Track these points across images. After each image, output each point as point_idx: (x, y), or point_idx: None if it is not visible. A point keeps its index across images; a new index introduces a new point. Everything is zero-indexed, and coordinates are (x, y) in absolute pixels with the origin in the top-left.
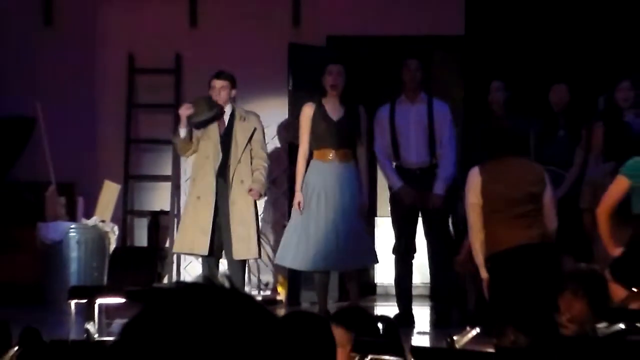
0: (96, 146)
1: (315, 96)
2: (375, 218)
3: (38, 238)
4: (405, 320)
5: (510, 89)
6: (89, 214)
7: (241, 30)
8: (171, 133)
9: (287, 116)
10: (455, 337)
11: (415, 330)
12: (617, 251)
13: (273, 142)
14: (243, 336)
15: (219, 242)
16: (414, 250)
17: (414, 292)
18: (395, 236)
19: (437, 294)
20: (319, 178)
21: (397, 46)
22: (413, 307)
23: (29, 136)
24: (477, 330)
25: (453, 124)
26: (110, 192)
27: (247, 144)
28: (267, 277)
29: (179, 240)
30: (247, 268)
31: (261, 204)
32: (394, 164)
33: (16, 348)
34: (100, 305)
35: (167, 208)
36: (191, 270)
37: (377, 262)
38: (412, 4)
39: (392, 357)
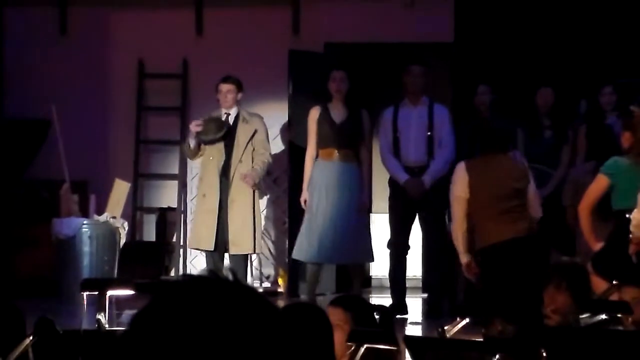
0: (107, 146)
1: (316, 100)
2: (371, 214)
3: (53, 233)
4: (399, 310)
5: (497, 92)
6: (100, 211)
7: (244, 37)
8: (178, 134)
9: (287, 119)
10: (446, 327)
11: (408, 321)
12: (597, 245)
13: (274, 143)
14: (246, 326)
15: (223, 237)
16: (409, 246)
17: (407, 284)
18: (391, 230)
19: (428, 286)
20: (322, 176)
21: (390, 52)
22: (406, 298)
23: (45, 137)
24: (467, 320)
25: (452, 127)
26: (120, 190)
27: (247, 145)
28: (269, 270)
29: (191, 236)
30: (249, 261)
31: (263, 202)
32: None
33: (31, 337)
34: (110, 297)
35: (174, 205)
36: (197, 263)
37: (373, 260)
38: (405, 13)
39: (386, 346)
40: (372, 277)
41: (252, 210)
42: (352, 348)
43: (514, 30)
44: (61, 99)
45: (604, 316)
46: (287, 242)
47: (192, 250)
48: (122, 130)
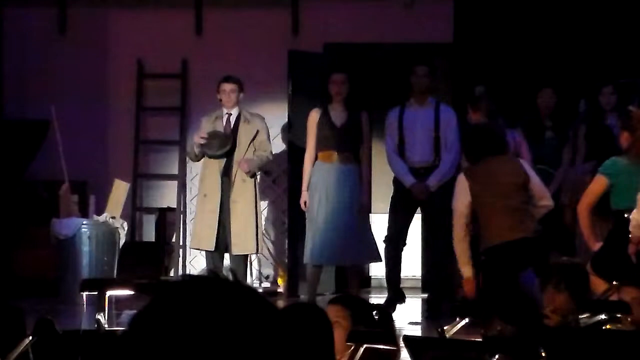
0: (107, 147)
1: (315, 100)
2: (370, 215)
3: (52, 233)
4: (396, 299)
5: (497, 92)
6: (100, 211)
7: (243, 38)
8: (178, 134)
9: (287, 119)
10: (445, 327)
11: (407, 321)
12: (597, 246)
13: (273, 144)
14: (246, 326)
15: (224, 237)
16: (405, 243)
17: (407, 284)
18: (389, 225)
19: (428, 286)
20: (323, 178)
21: (390, 53)
22: (405, 299)
23: (44, 137)
24: (466, 320)
25: (458, 129)
26: (120, 190)
27: (249, 145)
28: (268, 270)
29: (192, 236)
30: (249, 262)
31: (263, 202)
32: None
33: (30, 337)
34: (110, 297)
35: (173, 205)
36: (196, 263)
37: (381, 260)
38: (404, 13)
39: (385, 347)
40: (372, 277)
41: (254, 210)
42: (352, 348)
43: (514, 30)
44: (60, 99)
45: (603, 316)
46: (286, 243)
47: (192, 250)
48: (122, 131)
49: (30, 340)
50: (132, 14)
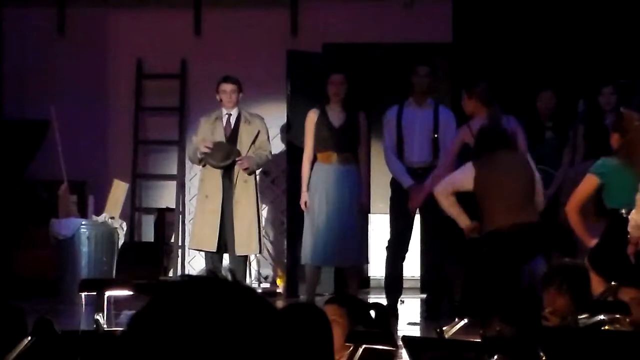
0: (106, 147)
1: (314, 100)
2: (369, 215)
3: (51, 234)
4: (391, 313)
5: (497, 93)
6: (99, 211)
7: (242, 38)
8: (177, 135)
9: (285, 119)
10: (444, 328)
11: (406, 321)
12: (592, 242)
13: (272, 144)
14: (245, 326)
15: (225, 238)
16: (407, 249)
17: (406, 284)
18: (391, 232)
19: (427, 287)
20: (322, 179)
21: (389, 53)
22: (405, 299)
23: (43, 137)
24: (465, 321)
25: (456, 130)
26: (119, 190)
27: (251, 146)
28: (267, 270)
29: (192, 237)
30: (248, 262)
31: (262, 202)
32: None
33: (29, 337)
34: (109, 297)
35: (172, 205)
36: (195, 264)
37: (368, 262)
38: (403, 13)
39: (384, 347)
40: (370, 277)
41: (256, 210)
42: (351, 348)
43: (514, 30)
44: (60, 99)
45: (602, 317)
46: (285, 243)
47: (191, 250)
48: (121, 131)
49: (29, 341)
50: (131, 14)
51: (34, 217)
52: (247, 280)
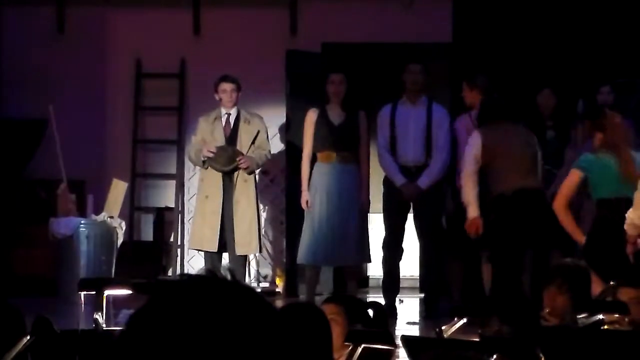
0: (105, 146)
1: (313, 100)
2: (369, 214)
3: (50, 233)
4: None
5: (497, 93)
6: (98, 210)
7: (241, 37)
8: (176, 134)
9: (284, 119)
10: (443, 327)
11: (405, 321)
12: (583, 239)
13: (271, 143)
14: (244, 326)
15: (224, 238)
16: (402, 249)
17: (405, 284)
18: (386, 231)
19: (426, 287)
20: (322, 179)
21: (389, 52)
22: (404, 298)
23: (42, 137)
24: (464, 320)
25: (450, 129)
26: (118, 190)
27: (250, 146)
28: (266, 270)
29: (192, 237)
30: (247, 262)
31: (262, 202)
32: None
33: (28, 337)
34: (108, 297)
35: (171, 204)
36: (194, 263)
37: (370, 261)
38: (403, 13)
39: (383, 346)
40: (370, 277)
41: (256, 210)
42: (350, 348)
43: (513, 29)
44: (59, 98)
45: (601, 316)
46: (284, 243)
47: (190, 249)
48: (120, 130)
49: (28, 340)
50: (130, 14)
51: (33, 216)
52: (246, 280)
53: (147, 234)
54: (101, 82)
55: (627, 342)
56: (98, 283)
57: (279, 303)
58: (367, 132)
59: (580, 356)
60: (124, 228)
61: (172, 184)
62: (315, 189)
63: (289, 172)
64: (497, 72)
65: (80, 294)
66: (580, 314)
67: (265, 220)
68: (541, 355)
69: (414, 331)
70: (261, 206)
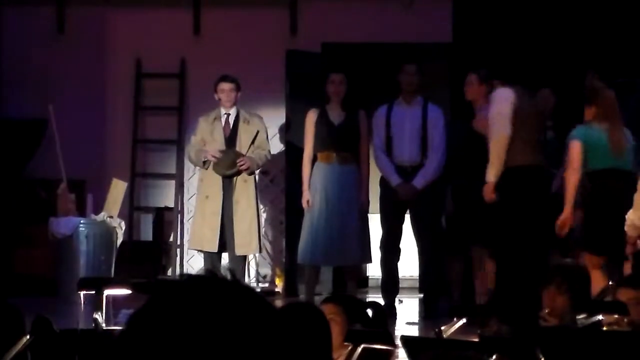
0: (105, 146)
1: (313, 100)
2: (369, 215)
3: (50, 232)
4: (388, 313)
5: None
6: (97, 210)
7: (241, 37)
8: (176, 134)
9: (284, 119)
10: (442, 328)
11: (405, 321)
12: (570, 211)
13: (271, 143)
14: (244, 326)
15: (224, 238)
16: (399, 250)
17: (403, 284)
18: (383, 231)
19: (425, 287)
20: (322, 179)
21: (388, 52)
22: (403, 298)
23: (42, 136)
24: (464, 321)
25: (445, 129)
26: (117, 189)
27: (250, 146)
28: (266, 270)
29: (192, 237)
30: (247, 262)
31: (261, 202)
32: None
33: (28, 336)
34: (107, 296)
35: (171, 204)
36: (194, 263)
37: (371, 261)
38: (403, 13)
39: (383, 346)
40: (369, 277)
41: (256, 210)
42: (350, 348)
43: (513, 29)
44: (59, 98)
45: (600, 317)
46: (284, 242)
47: (189, 249)
48: (120, 130)
49: (28, 340)
50: (130, 14)
51: (32, 216)
52: (246, 280)
53: (147, 233)
54: (101, 82)
55: (626, 343)
56: (98, 283)
57: (279, 303)
58: (368, 132)
59: (579, 356)
60: (123, 228)
61: (172, 184)
62: (315, 189)
63: (288, 172)
64: (497, 73)
65: (79, 294)
66: (579, 314)
67: (265, 220)
68: (540, 355)
69: (414, 331)
70: (261, 206)
